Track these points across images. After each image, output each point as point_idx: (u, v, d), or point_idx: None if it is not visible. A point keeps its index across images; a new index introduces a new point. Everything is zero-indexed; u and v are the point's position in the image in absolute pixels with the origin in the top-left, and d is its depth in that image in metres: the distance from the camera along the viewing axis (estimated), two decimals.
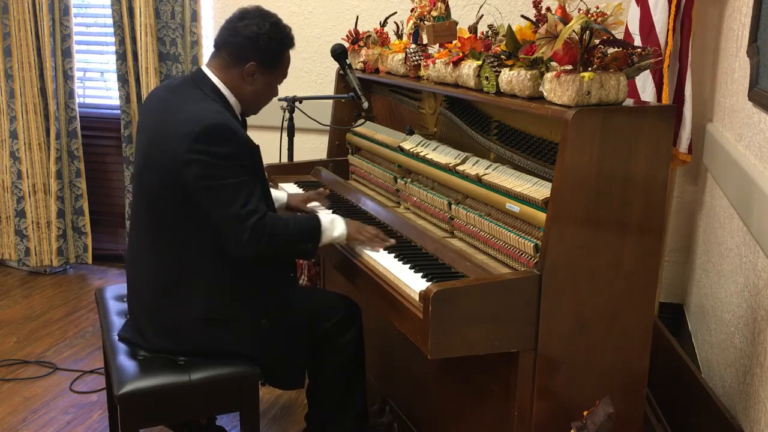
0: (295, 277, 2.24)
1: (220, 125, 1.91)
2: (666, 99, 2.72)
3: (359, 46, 2.83)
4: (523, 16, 1.87)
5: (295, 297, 2.19)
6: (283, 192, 2.52)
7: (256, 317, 2.06)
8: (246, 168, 1.95)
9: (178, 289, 2.02)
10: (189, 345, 2.04)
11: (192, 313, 2.02)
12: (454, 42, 2.26)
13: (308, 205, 2.48)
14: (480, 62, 2.03)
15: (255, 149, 2.02)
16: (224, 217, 1.91)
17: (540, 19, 1.77)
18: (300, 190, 2.72)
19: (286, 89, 3.55)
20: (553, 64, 1.79)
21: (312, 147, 3.70)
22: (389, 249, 2.10)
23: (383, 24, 2.88)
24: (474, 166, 2.09)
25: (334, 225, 2.09)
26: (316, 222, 2.07)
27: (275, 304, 2.10)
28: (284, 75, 2.17)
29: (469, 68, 2.08)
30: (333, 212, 2.41)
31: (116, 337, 2.17)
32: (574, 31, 1.65)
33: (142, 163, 2.04)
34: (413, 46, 2.47)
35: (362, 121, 2.81)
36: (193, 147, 1.88)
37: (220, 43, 2.08)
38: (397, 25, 2.78)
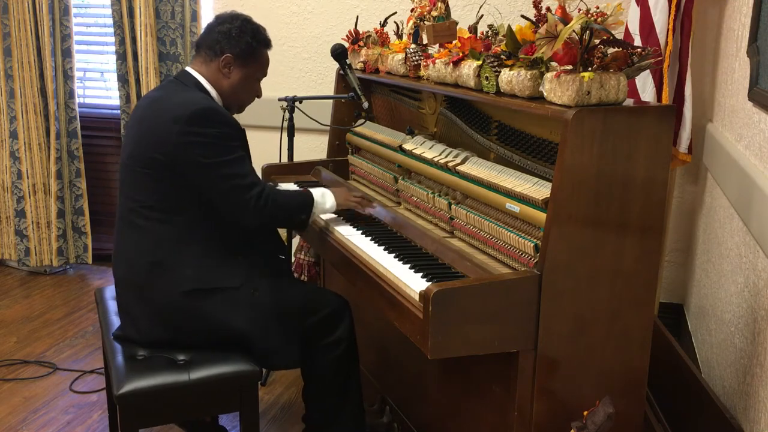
0: (287, 262, 2.30)
1: (208, 108, 2.05)
2: (666, 99, 2.72)
3: (359, 46, 2.83)
4: (523, 16, 1.87)
5: (287, 280, 2.24)
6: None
7: (247, 288, 2.10)
8: (238, 146, 2.09)
9: (167, 264, 2.06)
10: (181, 323, 2.05)
11: (182, 286, 2.04)
12: (454, 42, 2.26)
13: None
14: (480, 62, 2.03)
15: (243, 131, 2.15)
16: (228, 189, 2.04)
17: (540, 19, 1.77)
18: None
19: (286, 89, 3.57)
20: (553, 64, 1.79)
21: (312, 147, 3.70)
22: (389, 249, 2.10)
23: (383, 24, 2.88)
24: (474, 166, 2.09)
25: (325, 198, 2.30)
26: (309, 196, 2.25)
27: (267, 277, 2.15)
28: (262, 72, 2.30)
29: (469, 68, 2.08)
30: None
31: None
32: (574, 31, 1.65)
33: (130, 150, 2.12)
34: (413, 46, 2.47)
35: (362, 121, 2.80)
36: (185, 129, 2.00)
37: (199, 43, 2.26)
38: (397, 25, 2.78)
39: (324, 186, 2.52)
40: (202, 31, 2.27)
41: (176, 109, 2.03)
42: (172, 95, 2.13)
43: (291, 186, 2.79)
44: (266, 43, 2.28)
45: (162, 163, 2.03)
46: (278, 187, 2.53)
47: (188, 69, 2.23)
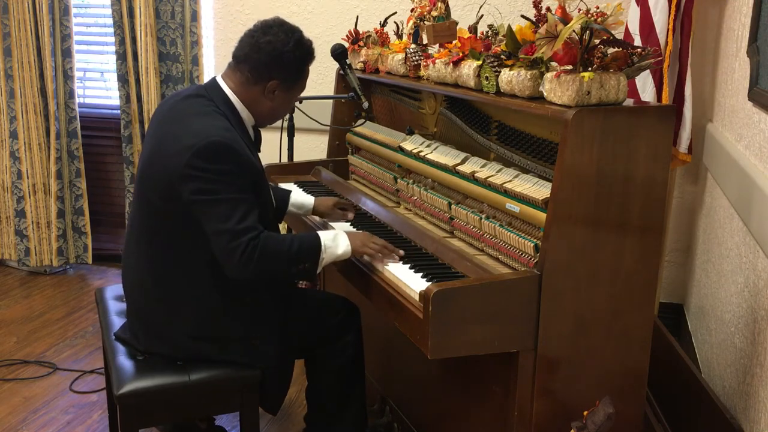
0: (294, 285, 2.22)
1: (222, 143, 1.86)
2: (666, 99, 2.72)
3: (359, 46, 2.83)
4: (523, 16, 1.88)
5: (293, 305, 2.15)
6: (310, 197, 2.46)
7: (246, 337, 2.03)
8: (245, 187, 1.89)
9: (168, 302, 2.01)
10: (179, 353, 2.03)
11: (181, 326, 2.00)
12: (454, 42, 2.26)
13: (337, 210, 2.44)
14: (480, 62, 2.03)
15: (257, 171, 1.96)
16: (218, 232, 1.84)
17: (540, 19, 1.77)
18: (300, 191, 2.72)
19: None
20: (553, 64, 1.79)
21: (312, 147, 3.70)
22: None
23: (383, 24, 2.88)
24: (474, 166, 2.09)
25: (337, 241, 1.99)
26: (315, 240, 1.96)
27: (268, 325, 2.06)
28: (303, 89, 2.12)
29: (469, 68, 2.08)
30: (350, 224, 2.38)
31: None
32: (574, 31, 1.65)
33: (144, 169, 2.01)
34: (413, 46, 2.47)
35: (362, 121, 2.80)
36: (192, 162, 1.84)
37: (241, 58, 2.01)
38: (397, 25, 2.78)
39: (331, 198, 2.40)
40: (242, 38, 2.03)
41: (189, 138, 1.86)
42: (191, 116, 1.94)
43: (291, 186, 2.79)
44: (313, 59, 2.08)
45: (169, 194, 1.90)
46: (307, 195, 2.47)
47: (220, 82, 2.02)
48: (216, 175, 1.84)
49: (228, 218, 1.83)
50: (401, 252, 2.03)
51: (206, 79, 3.75)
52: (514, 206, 1.87)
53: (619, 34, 2.33)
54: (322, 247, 1.96)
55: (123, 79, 3.87)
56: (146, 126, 3.86)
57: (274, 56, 1.97)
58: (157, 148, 1.97)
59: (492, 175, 1.99)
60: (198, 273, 1.97)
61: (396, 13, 2.90)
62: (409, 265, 1.96)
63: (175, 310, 2.01)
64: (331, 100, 2.99)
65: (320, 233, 1.99)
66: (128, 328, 2.13)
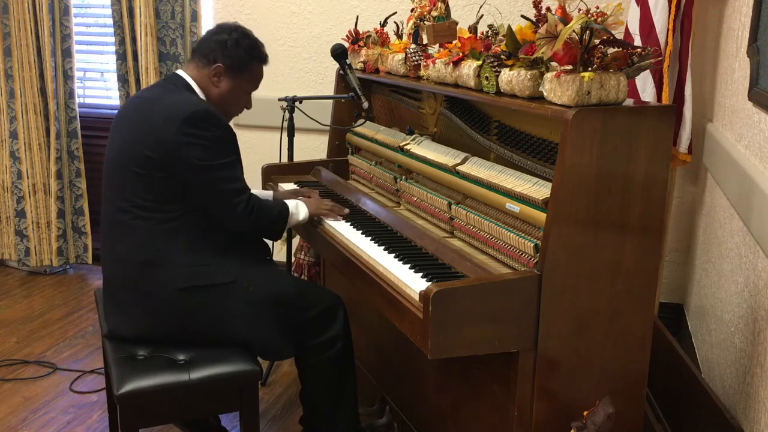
0: (271, 261, 2.33)
1: (206, 110, 2.07)
2: (666, 99, 2.72)
3: (359, 46, 2.83)
4: (523, 16, 1.88)
5: (277, 275, 2.24)
6: (268, 192, 2.63)
7: (241, 282, 2.11)
8: (232, 150, 2.13)
9: (160, 262, 2.07)
10: (178, 319, 2.06)
11: (177, 283, 2.06)
12: (454, 42, 2.26)
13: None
14: (480, 62, 2.03)
15: (234, 135, 2.17)
16: (219, 192, 2.08)
17: (540, 19, 1.77)
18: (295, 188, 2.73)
19: (286, 89, 3.57)
20: (553, 64, 1.79)
21: (312, 147, 3.71)
22: (389, 249, 2.10)
23: (383, 24, 2.88)
24: (474, 166, 2.09)
25: (298, 209, 2.34)
26: (285, 206, 2.31)
27: (259, 271, 2.17)
28: (252, 85, 2.33)
29: (469, 68, 2.08)
30: None
31: None
32: (574, 31, 1.65)
33: (120, 149, 2.12)
34: (413, 46, 2.48)
35: (362, 121, 2.81)
36: (183, 130, 2.02)
37: (194, 49, 2.30)
38: (397, 25, 2.78)
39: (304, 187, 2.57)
40: (201, 35, 2.29)
41: (173, 109, 2.05)
42: (165, 96, 2.14)
43: (291, 186, 2.80)
44: (261, 59, 2.31)
45: (155, 161, 2.04)
46: (279, 189, 2.56)
47: (179, 72, 2.25)
48: (207, 141, 2.05)
49: (227, 180, 2.09)
50: (346, 210, 2.41)
51: None
52: (514, 206, 1.87)
53: (619, 34, 2.33)
54: (290, 213, 2.31)
55: (123, 79, 3.87)
56: None
57: (219, 42, 2.24)
58: (134, 126, 2.11)
59: (492, 175, 1.99)
60: (184, 228, 2.09)
61: (396, 13, 2.90)
62: (409, 265, 1.96)
63: (168, 268, 2.06)
64: (331, 100, 3.00)
65: (286, 201, 2.34)
66: (119, 317, 2.14)
